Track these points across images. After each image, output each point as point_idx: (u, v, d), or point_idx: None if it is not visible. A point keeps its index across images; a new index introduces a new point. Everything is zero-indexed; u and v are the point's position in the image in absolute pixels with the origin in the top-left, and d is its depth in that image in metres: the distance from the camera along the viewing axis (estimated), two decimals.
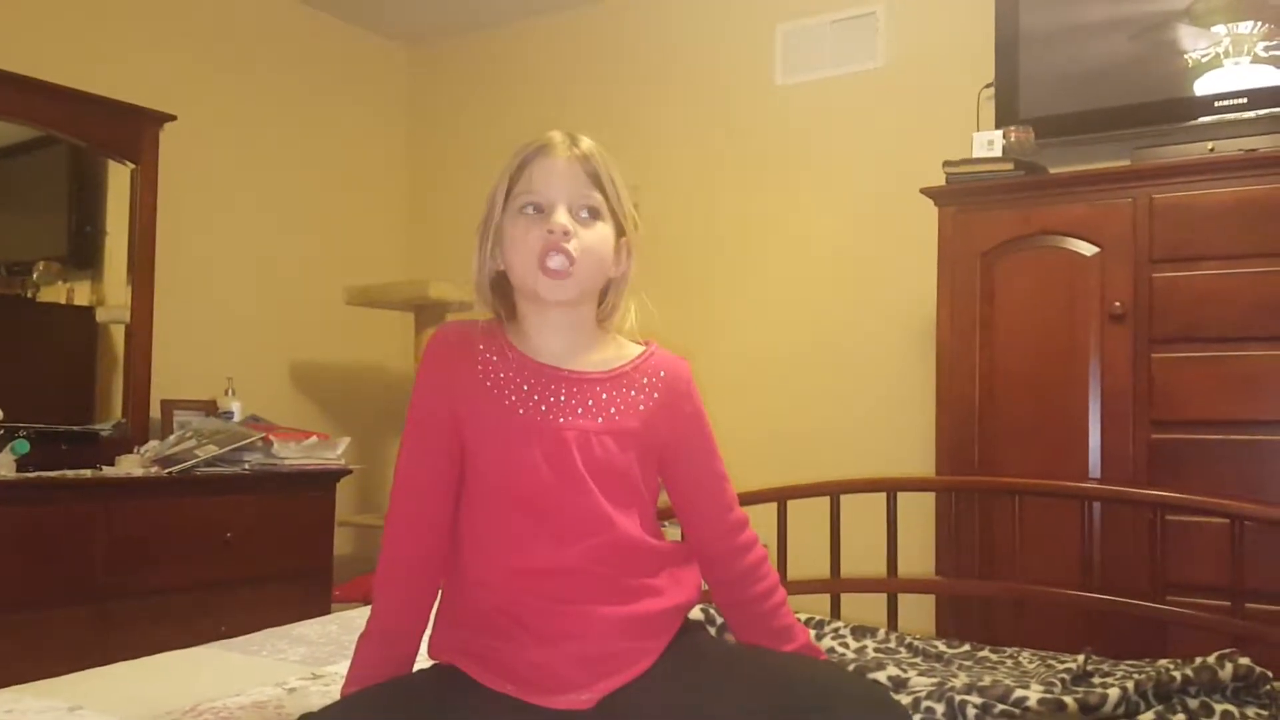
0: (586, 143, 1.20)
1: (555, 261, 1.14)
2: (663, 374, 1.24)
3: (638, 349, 1.26)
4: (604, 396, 1.19)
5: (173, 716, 1.35)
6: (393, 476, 1.22)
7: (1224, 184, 2.31)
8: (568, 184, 1.17)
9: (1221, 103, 2.51)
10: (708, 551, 1.27)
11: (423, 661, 1.21)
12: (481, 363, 1.20)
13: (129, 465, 2.85)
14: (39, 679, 1.53)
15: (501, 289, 1.23)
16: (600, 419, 1.18)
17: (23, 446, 2.69)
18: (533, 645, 1.12)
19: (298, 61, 3.90)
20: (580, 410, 1.18)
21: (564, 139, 1.20)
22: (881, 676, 1.49)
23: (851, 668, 1.52)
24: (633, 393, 1.21)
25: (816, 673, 1.13)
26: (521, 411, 1.17)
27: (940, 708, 1.36)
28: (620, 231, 1.22)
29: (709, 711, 1.06)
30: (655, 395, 1.22)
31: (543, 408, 1.17)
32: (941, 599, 2.48)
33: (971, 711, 1.34)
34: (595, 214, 1.18)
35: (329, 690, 1.47)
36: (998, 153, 2.61)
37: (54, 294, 3.12)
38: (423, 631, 1.21)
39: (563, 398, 1.18)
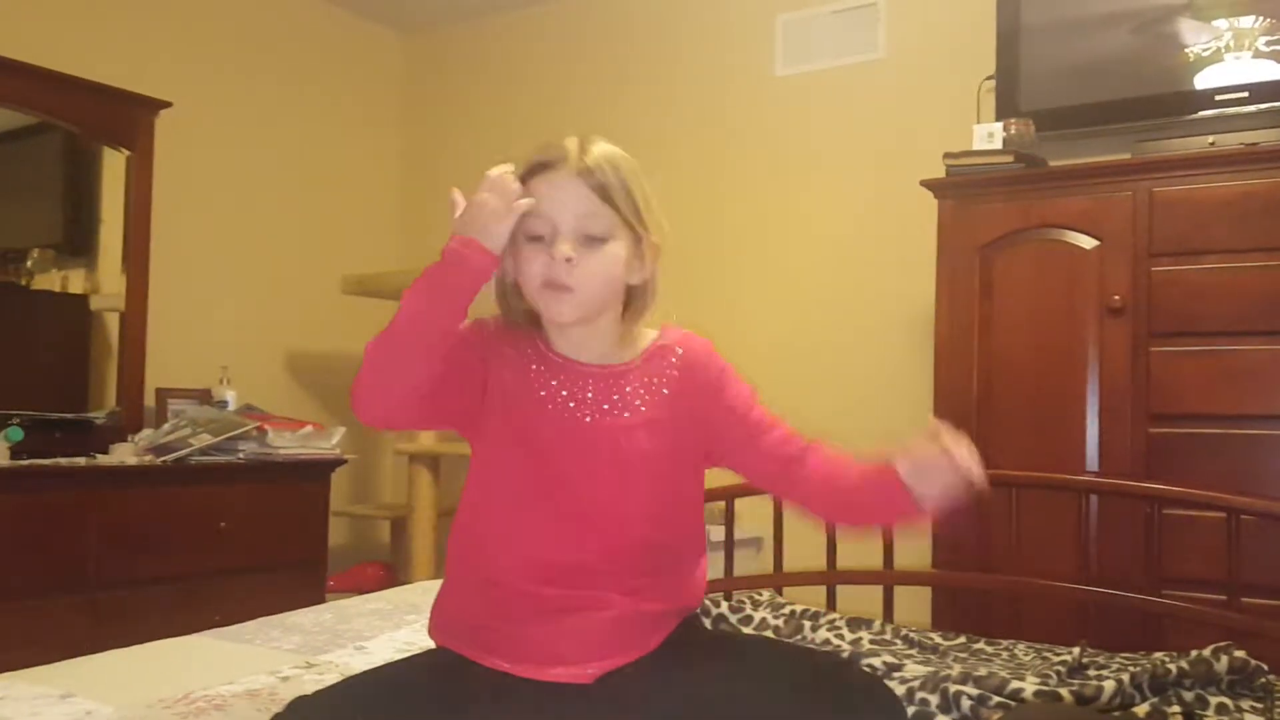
0: (596, 151, 1.15)
1: (555, 294, 1.13)
2: (680, 351, 1.23)
3: (653, 333, 1.25)
4: (628, 390, 1.19)
5: (165, 704, 1.35)
6: None
7: (1224, 178, 2.30)
8: (572, 205, 1.13)
9: (1222, 97, 2.50)
10: (783, 488, 1.25)
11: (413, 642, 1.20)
12: (516, 349, 1.20)
13: (123, 454, 2.84)
14: (31, 666, 1.52)
15: (521, 296, 1.22)
16: (628, 414, 1.18)
17: (16, 434, 2.68)
18: (535, 622, 1.12)
19: (293, 49, 3.88)
20: (607, 405, 1.17)
21: (574, 149, 1.14)
22: (876, 663, 1.49)
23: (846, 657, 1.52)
24: (655, 379, 1.21)
25: (815, 660, 1.13)
26: (551, 407, 1.17)
27: (935, 699, 1.36)
28: (640, 237, 1.18)
29: (706, 694, 1.06)
30: (675, 374, 1.21)
31: (571, 404, 1.17)
32: (937, 591, 2.48)
33: (966, 703, 1.34)
34: (602, 237, 1.14)
35: (323, 679, 1.46)
36: (998, 145, 2.60)
37: (48, 281, 3.11)
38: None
39: (590, 394, 1.18)
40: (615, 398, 1.18)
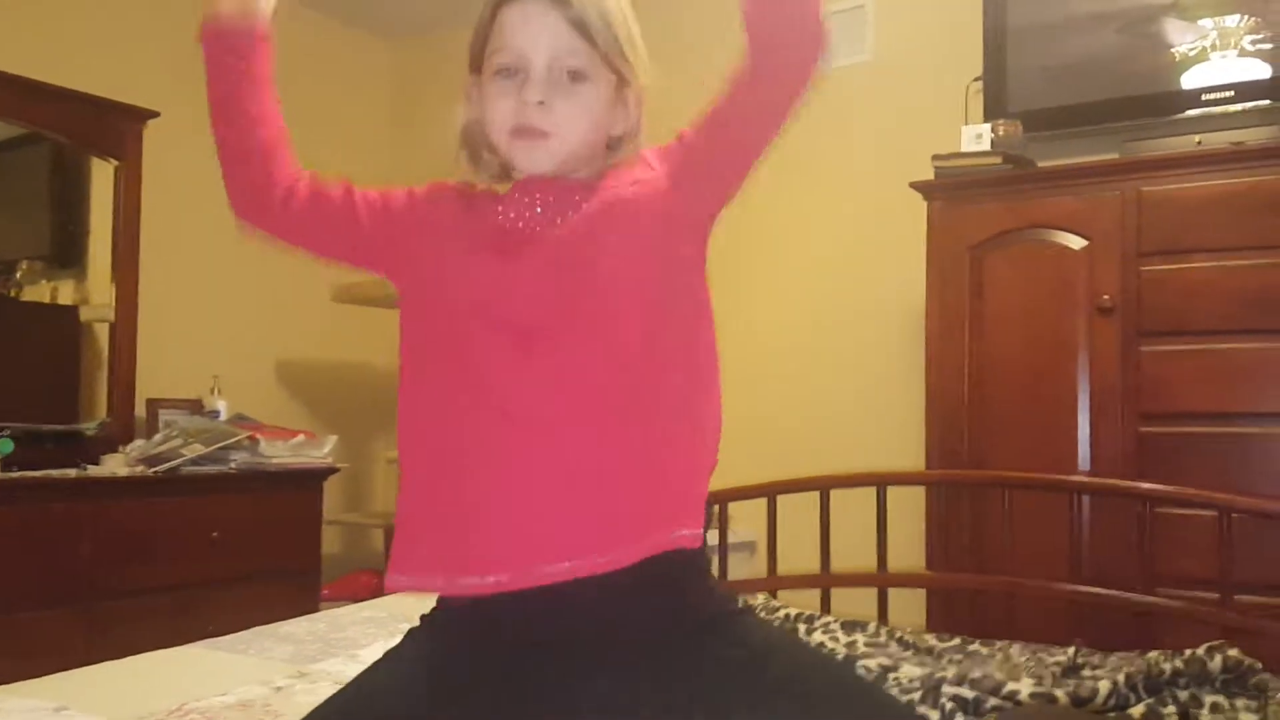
0: None
1: (529, 142, 1.02)
2: (648, 160, 1.11)
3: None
4: (584, 204, 1.05)
5: (158, 717, 1.34)
6: None
7: (1212, 177, 2.31)
8: (545, 39, 1.00)
9: (1209, 96, 2.51)
10: (753, 97, 1.13)
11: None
12: (467, 199, 1.09)
13: (114, 465, 2.83)
14: (24, 679, 1.51)
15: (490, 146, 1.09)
16: (601, 225, 1.04)
17: (6, 446, 2.66)
18: (509, 469, 0.98)
19: (281, 57, 3.82)
20: (559, 220, 1.04)
21: None
22: (871, 664, 1.49)
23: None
24: (629, 185, 1.08)
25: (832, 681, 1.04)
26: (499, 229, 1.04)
27: (935, 715, 1.36)
28: (624, 80, 1.07)
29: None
30: (648, 176, 1.09)
31: (519, 224, 1.04)
32: (931, 593, 2.48)
33: (959, 718, 1.34)
34: (579, 74, 1.02)
35: (315, 688, 1.45)
36: (986, 146, 2.60)
37: (37, 293, 3.10)
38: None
39: (539, 209, 1.04)
40: (571, 212, 1.04)
